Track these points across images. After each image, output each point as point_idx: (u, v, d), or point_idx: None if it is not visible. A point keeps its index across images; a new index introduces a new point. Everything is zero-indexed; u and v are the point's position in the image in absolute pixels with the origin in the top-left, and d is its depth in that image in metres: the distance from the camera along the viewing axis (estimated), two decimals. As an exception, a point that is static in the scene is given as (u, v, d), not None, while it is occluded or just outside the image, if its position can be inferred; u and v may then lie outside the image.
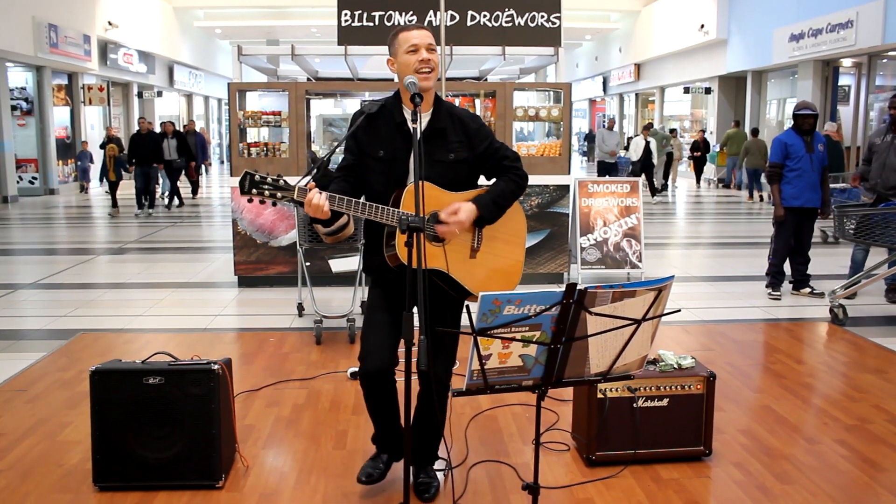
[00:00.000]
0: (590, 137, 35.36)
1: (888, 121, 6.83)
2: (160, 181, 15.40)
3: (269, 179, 2.70)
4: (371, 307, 3.14)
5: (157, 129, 17.35)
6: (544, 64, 9.44)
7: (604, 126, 19.26)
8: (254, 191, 2.68)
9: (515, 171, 3.11)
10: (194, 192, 17.25)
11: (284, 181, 2.72)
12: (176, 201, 15.57)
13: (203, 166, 17.94)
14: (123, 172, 14.50)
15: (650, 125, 17.77)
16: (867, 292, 7.14)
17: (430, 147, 2.93)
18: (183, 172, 15.92)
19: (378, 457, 3.32)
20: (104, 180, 14.88)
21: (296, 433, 3.98)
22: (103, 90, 19.71)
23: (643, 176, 16.54)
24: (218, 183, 23.46)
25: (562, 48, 7.75)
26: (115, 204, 14.39)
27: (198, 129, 21.74)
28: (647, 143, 16.84)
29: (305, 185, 2.72)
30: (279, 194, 2.71)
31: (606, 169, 16.18)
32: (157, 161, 14.19)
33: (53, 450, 3.75)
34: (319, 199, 2.70)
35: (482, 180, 3.20)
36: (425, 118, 2.99)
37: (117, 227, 12.45)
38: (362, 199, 2.86)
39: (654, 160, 17.14)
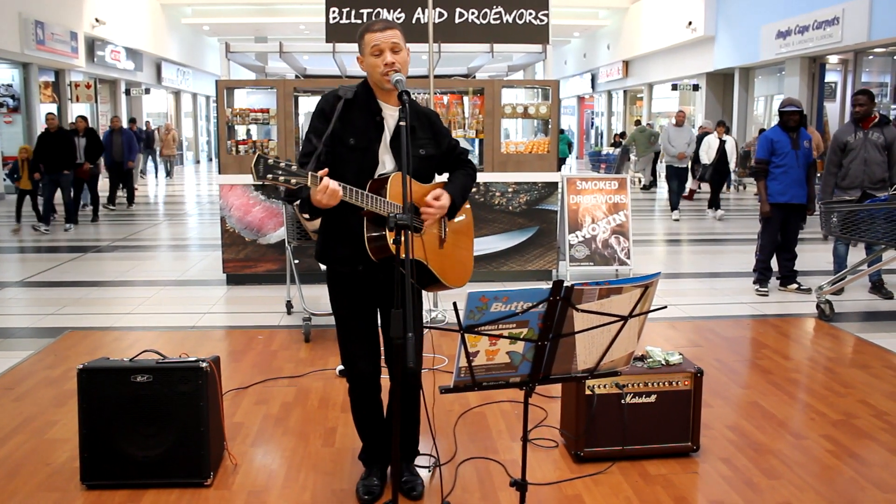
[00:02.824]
0: None
1: (853, 118, 6.92)
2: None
3: (282, 164, 2.57)
4: (342, 311, 3.15)
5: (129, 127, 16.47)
6: (532, 61, 9.43)
7: (662, 121, 17.32)
8: (269, 175, 2.54)
9: (469, 164, 3.24)
10: (111, 199, 14.89)
11: (296, 167, 2.61)
12: (86, 214, 12.86)
13: (130, 169, 14.85)
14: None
15: (722, 123, 14.68)
16: (853, 288, 7.19)
17: (399, 142, 2.85)
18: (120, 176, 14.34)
19: (370, 475, 3.30)
20: (16, 188, 11.90)
21: (284, 431, 3.98)
22: (90, 87, 19.59)
23: (684, 183, 13.47)
24: (206, 180, 23.39)
25: (550, 45, 7.76)
26: (18, 217, 11.65)
27: (150, 125, 19.77)
28: (723, 142, 13.42)
29: (317, 173, 2.65)
30: (293, 180, 2.58)
31: (677, 175, 13.11)
32: (69, 166, 11.80)
33: (41, 448, 3.73)
34: (335, 186, 2.66)
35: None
36: (396, 112, 2.97)
37: (109, 225, 12.39)
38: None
39: (732, 163, 13.75)
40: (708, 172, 13.54)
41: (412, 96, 2.88)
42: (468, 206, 3.29)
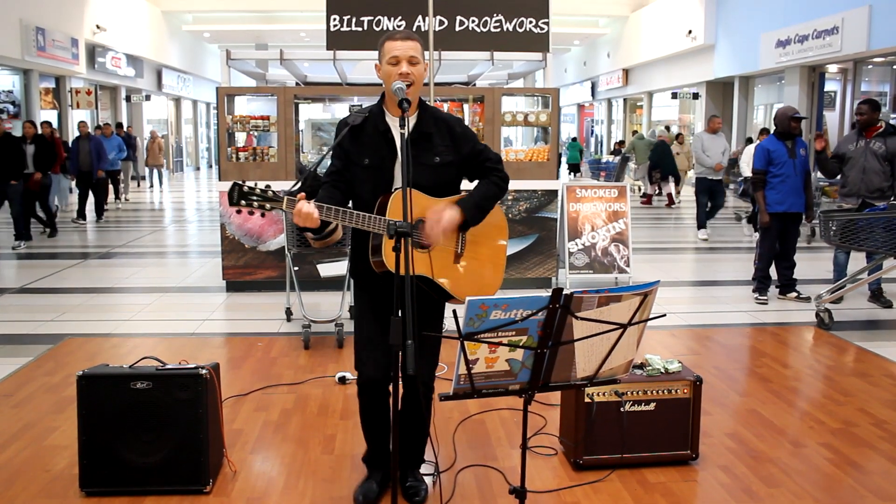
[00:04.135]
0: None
1: (856, 127, 6.95)
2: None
3: (257, 190, 2.67)
4: (360, 316, 3.16)
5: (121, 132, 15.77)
6: (533, 69, 9.47)
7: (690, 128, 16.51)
8: (242, 202, 2.66)
9: (497, 174, 3.12)
10: (80, 212, 13.49)
11: (273, 192, 2.69)
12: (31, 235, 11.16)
13: (100, 178, 13.63)
14: None
15: (766, 130, 12.74)
16: (852, 297, 7.19)
17: (415, 151, 2.93)
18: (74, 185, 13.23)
19: (370, 479, 3.32)
20: None
21: (284, 438, 3.98)
22: (91, 94, 19.62)
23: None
24: (206, 187, 23.40)
25: (550, 53, 7.78)
26: None
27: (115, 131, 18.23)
28: None
29: (295, 196, 2.71)
30: (268, 205, 2.68)
31: (710, 189, 11.32)
32: (16, 176, 10.54)
33: (40, 455, 3.73)
34: (309, 209, 2.69)
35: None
36: (411, 122, 2.98)
37: (105, 232, 12.39)
38: (349, 207, 2.88)
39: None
40: (750, 187, 11.01)
41: (435, 104, 2.89)
42: (501, 215, 3.18)
